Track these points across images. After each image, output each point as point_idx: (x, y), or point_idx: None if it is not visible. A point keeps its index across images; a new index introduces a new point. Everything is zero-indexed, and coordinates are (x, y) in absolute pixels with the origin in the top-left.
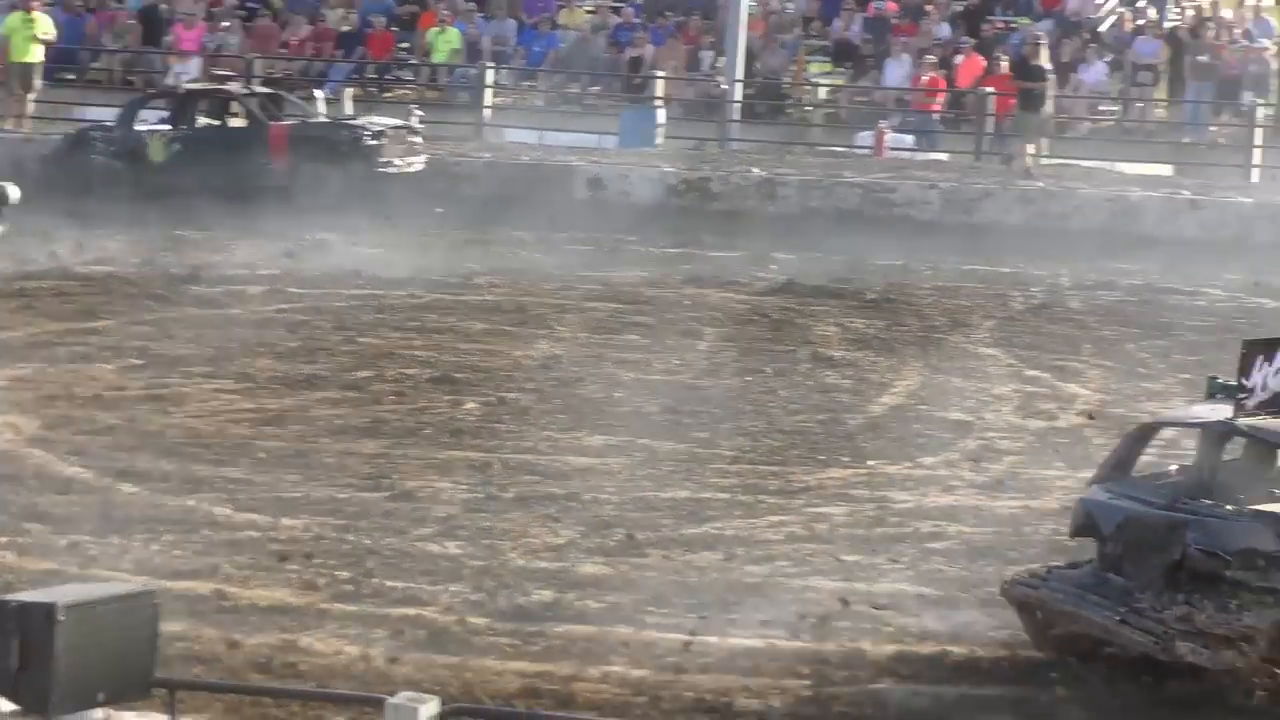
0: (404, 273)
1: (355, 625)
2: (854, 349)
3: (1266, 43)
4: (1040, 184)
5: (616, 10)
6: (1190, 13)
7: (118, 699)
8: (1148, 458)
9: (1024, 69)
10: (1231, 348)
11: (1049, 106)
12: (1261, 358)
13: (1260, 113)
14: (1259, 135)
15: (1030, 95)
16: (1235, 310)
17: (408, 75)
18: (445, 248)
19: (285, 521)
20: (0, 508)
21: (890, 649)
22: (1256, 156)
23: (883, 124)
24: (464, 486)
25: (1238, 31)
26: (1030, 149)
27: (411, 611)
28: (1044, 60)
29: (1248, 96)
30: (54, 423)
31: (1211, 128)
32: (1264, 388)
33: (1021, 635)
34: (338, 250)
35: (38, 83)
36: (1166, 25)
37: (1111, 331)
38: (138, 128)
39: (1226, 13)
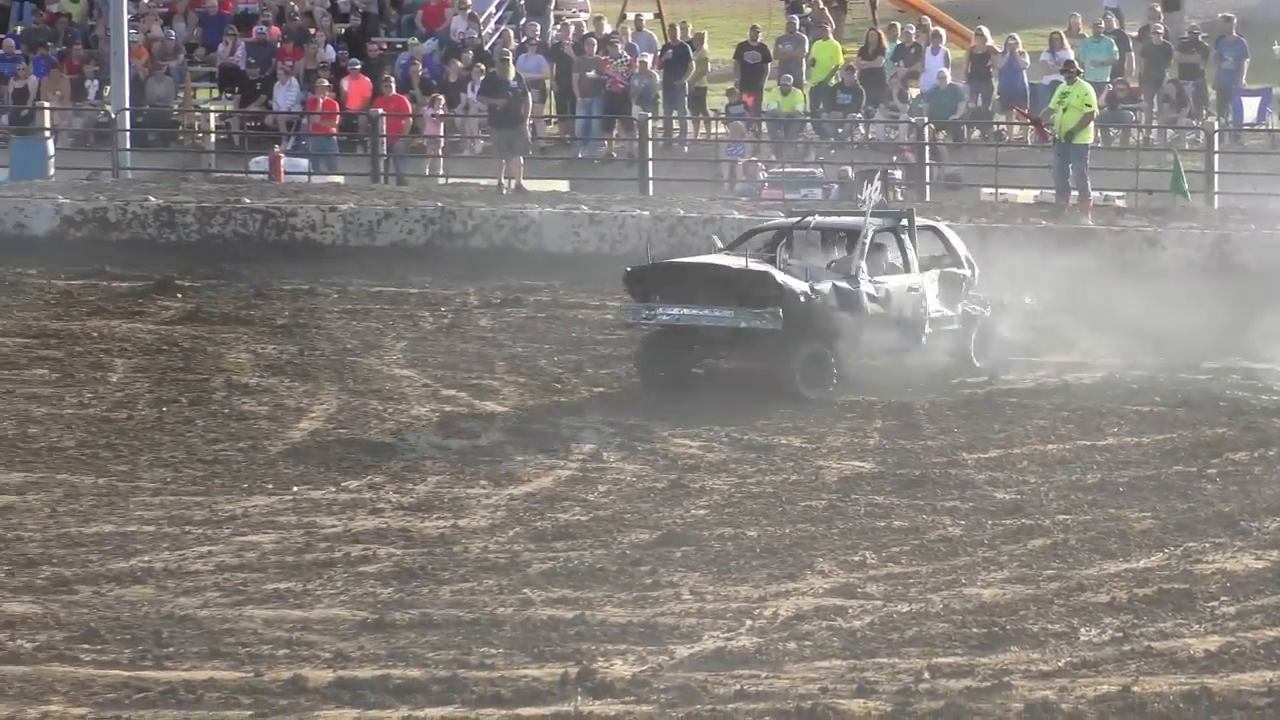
0: None
1: None
2: (268, 375)
3: (649, 57)
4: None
5: None
6: (573, 29)
7: None
8: None
9: (492, 85)
10: None
11: (525, 122)
12: None
13: (650, 126)
14: (650, 148)
15: (501, 111)
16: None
17: None
18: None
19: None
20: None
21: (330, 674)
22: (650, 169)
23: (278, 148)
24: None
25: (621, 46)
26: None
27: None
28: (512, 76)
29: (636, 110)
30: None
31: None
32: None
33: (468, 654)
34: None
35: None
36: (551, 42)
37: (524, 348)
38: None
39: (609, 28)
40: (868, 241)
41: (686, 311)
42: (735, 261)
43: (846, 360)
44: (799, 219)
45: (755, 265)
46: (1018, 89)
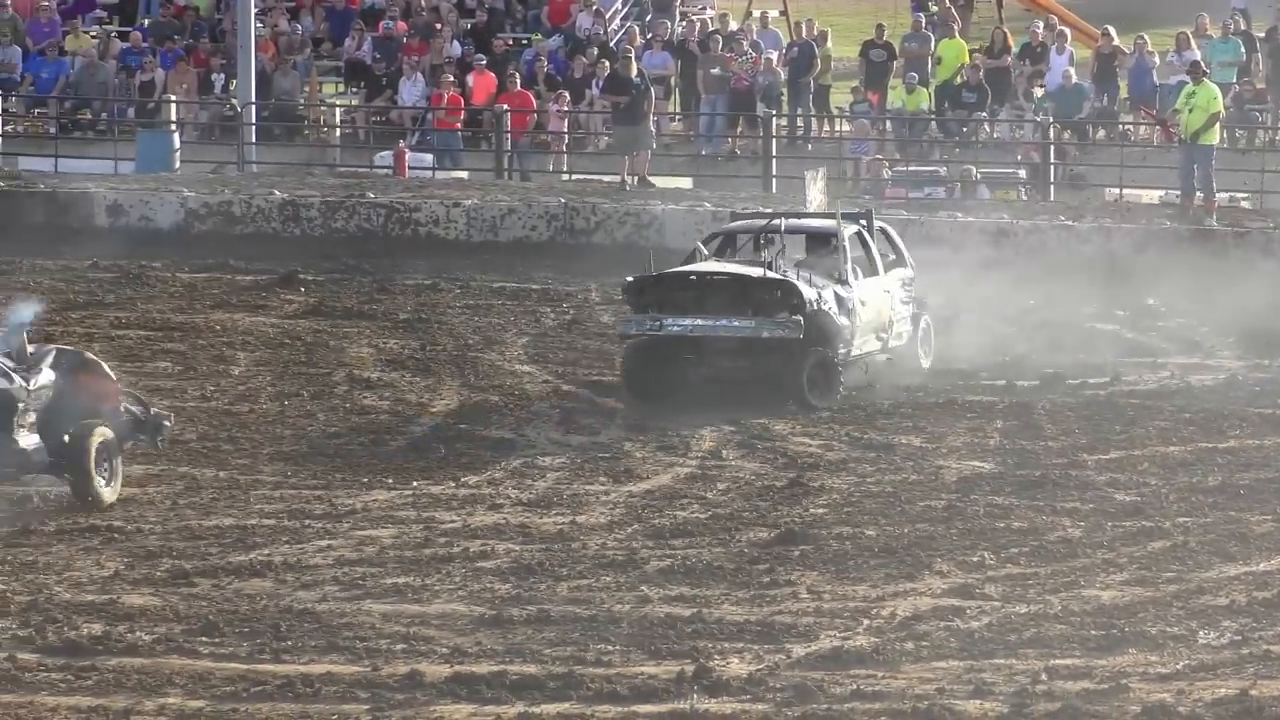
0: None
1: None
2: (390, 370)
3: (775, 55)
4: (649, 198)
5: (124, 35)
6: (698, 26)
7: None
8: None
9: (615, 82)
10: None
11: (648, 119)
12: None
13: (774, 124)
14: (774, 146)
15: (625, 108)
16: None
17: None
18: None
19: None
20: None
21: (447, 670)
22: (774, 167)
23: (402, 143)
24: (1, 521)
25: (746, 44)
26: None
27: None
28: (635, 73)
29: (761, 108)
30: None
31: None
32: None
33: (585, 651)
34: None
35: None
36: (676, 39)
37: None
38: None
39: (734, 25)
40: (847, 244)
41: (701, 322)
42: (750, 270)
43: (846, 367)
44: (768, 221)
45: (773, 274)
46: (1147, 89)
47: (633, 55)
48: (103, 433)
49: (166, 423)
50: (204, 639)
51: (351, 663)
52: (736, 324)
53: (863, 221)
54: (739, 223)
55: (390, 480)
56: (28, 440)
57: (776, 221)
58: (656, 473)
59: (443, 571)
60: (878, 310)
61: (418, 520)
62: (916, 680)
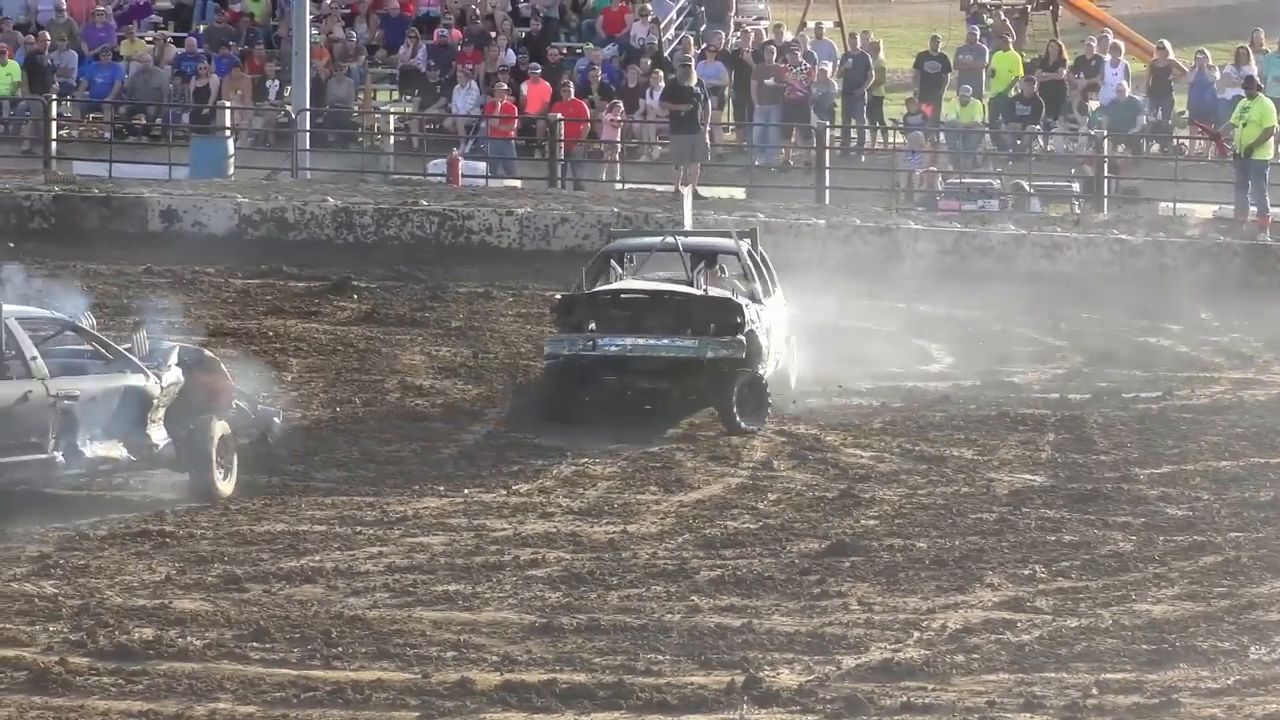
0: None
1: None
2: (442, 377)
3: (829, 66)
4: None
5: (179, 41)
6: (753, 36)
7: None
8: None
9: (675, 91)
10: (816, 364)
11: (705, 128)
12: None
13: (828, 135)
14: (828, 157)
15: (684, 117)
16: (817, 330)
17: None
18: (18, 282)
19: None
20: None
21: (497, 678)
22: (827, 178)
23: (456, 151)
24: (55, 524)
25: (800, 55)
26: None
27: (10, 653)
28: (694, 82)
29: (814, 119)
30: None
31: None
32: None
33: (635, 660)
34: None
35: None
36: (730, 49)
37: None
38: None
39: (788, 36)
40: (750, 263)
41: (640, 342)
42: (690, 287)
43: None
44: (663, 238)
45: (714, 291)
46: (1207, 103)
47: (692, 64)
48: (222, 428)
49: (276, 419)
50: (255, 644)
51: (402, 670)
52: (678, 344)
53: (748, 240)
54: (631, 240)
55: (441, 487)
56: (158, 435)
57: (669, 239)
58: (708, 482)
59: (493, 579)
60: (778, 329)
61: (469, 528)
62: (967, 693)
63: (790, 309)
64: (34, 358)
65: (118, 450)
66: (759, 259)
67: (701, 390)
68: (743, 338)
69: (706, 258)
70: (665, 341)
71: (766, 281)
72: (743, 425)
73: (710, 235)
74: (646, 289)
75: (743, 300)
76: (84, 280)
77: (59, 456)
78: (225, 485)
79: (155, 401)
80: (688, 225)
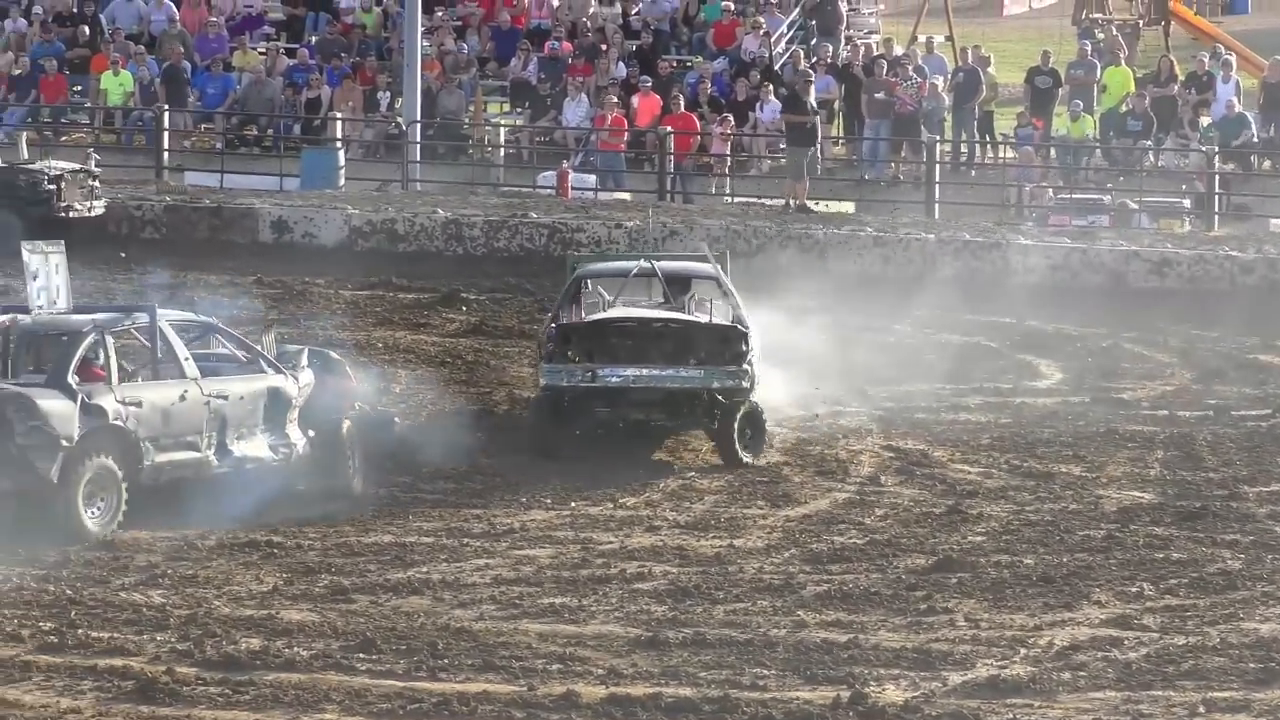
0: None
1: (62, 677)
2: None
3: (940, 80)
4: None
5: (290, 52)
6: (863, 50)
7: None
8: None
9: (794, 103)
10: (924, 379)
11: (819, 142)
12: None
13: (938, 149)
14: (938, 171)
15: (800, 131)
16: (925, 345)
17: (83, 118)
18: (129, 294)
19: None
20: None
21: (603, 691)
22: (936, 193)
23: (565, 164)
24: (164, 534)
25: (910, 69)
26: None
27: (118, 662)
28: (813, 97)
29: (924, 133)
30: None
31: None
32: None
33: (740, 675)
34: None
35: None
36: (840, 63)
37: (802, 369)
38: None
39: (899, 50)
40: (730, 287)
41: (645, 373)
42: (694, 315)
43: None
44: (636, 263)
45: (718, 318)
46: None
47: (812, 78)
48: (350, 428)
49: (396, 420)
50: (361, 656)
51: (507, 682)
52: (683, 374)
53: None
54: (603, 265)
55: (548, 500)
56: (295, 435)
57: (644, 264)
58: (815, 497)
59: (599, 592)
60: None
61: (575, 540)
62: (1073, 710)
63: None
64: (187, 358)
65: (262, 449)
66: (728, 285)
67: (700, 421)
68: (747, 366)
69: (682, 283)
70: (669, 372)
71: (738, 306)
72: (743, 458)
73: (685, 259)
74: (647, 316)
75: (745, 327)
76: (193, 291)
77: (211, 455)
78: (358, 483)
79: (293, 402)
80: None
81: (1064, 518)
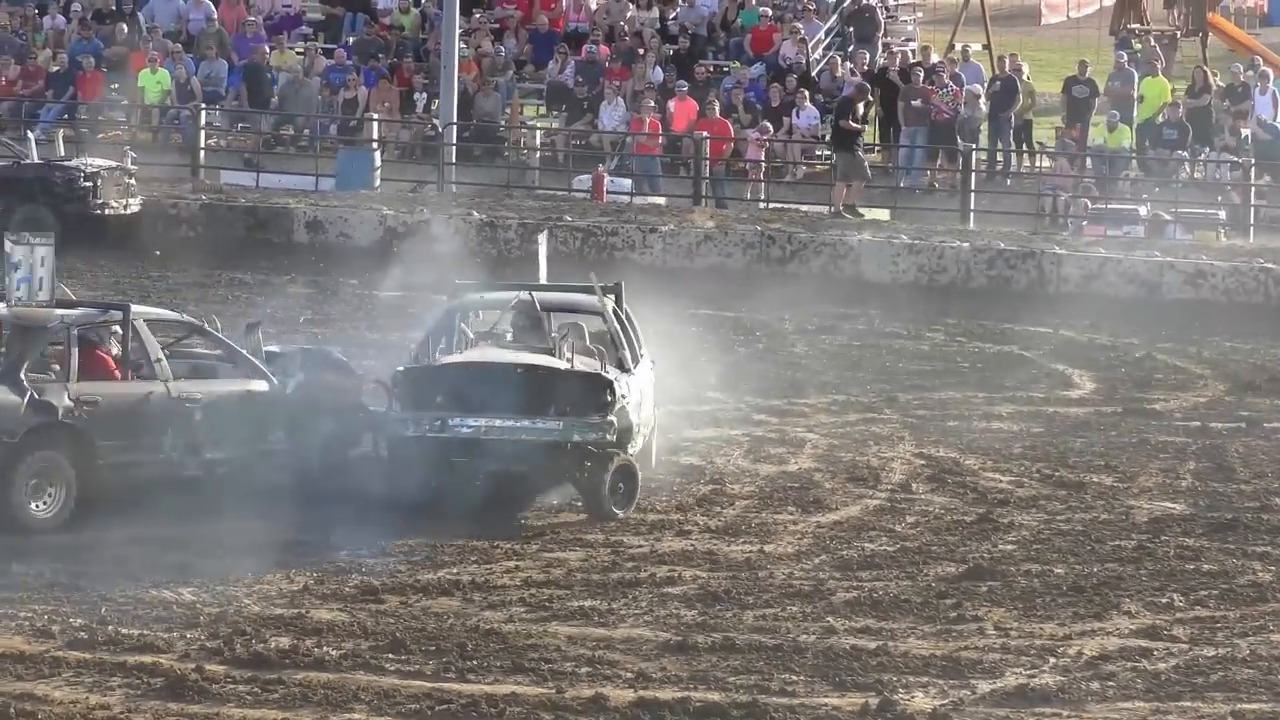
0: None
1: (91, 673)
2: None
3: (977, 88)
4: (859, 228)
5: (328, 53)
6: (900, 57)
7: None
8: None
9: (845, 108)
10: (957, 387)
11: (862, 149)
12: None
13: (974, 157)
14: (974, 179)
15: (847, 136)
16: (958, 353)
17: (120, 116)
18: (163, 291)
19: (16, 567)
20: None
21: (631, 694)
22: (972, 201)
23: (601, 168)
24: (195, 531)
25: (947, 76)
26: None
27: (147, 659)
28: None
29: (961, 141)
30: None
31: (926, 172)
32: None
33: (769, 680)
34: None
35: None
36: (877, 69)
37: (836, 375)
38: None
39: (935, 58)
40: (615, 324)
41: (497, 424)
42: (551, 361)
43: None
44: (516, 296)
45: (581, 365)
46: None
47: (868, 85)
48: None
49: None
50: (391, 656)
51: (536, 684)
52: (540, 426)
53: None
54: (481, 295)
55: (579, 503)
56: (276, 438)
57: (524, 296)
58: (846, 504)
59: (629, 596)
60: (647, 400)
61: (605, 544)
62: None
63: (654, 373)
64: (159, 360)
65: (235, 452)
66: (625, 317)
67: (565, 476)
68: (613, 418)
69: (564, 316)
70: (525, 424)
71: (634, 343)
72: (616, 514)
73: (571, 290)
74: (502, 361)
75: (612, 374)
76: (228, 290)
77: (178, 456)
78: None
79: (275, 404)
80: (543, 277)
81: (1095, 528)
